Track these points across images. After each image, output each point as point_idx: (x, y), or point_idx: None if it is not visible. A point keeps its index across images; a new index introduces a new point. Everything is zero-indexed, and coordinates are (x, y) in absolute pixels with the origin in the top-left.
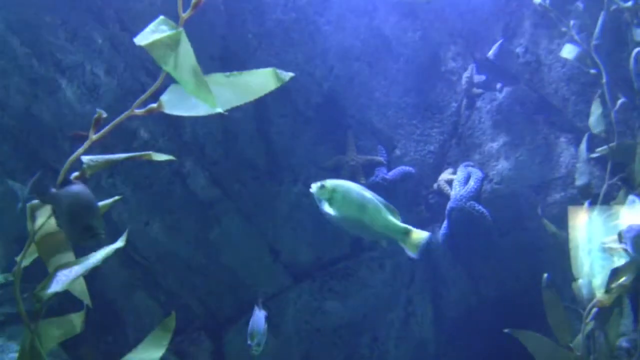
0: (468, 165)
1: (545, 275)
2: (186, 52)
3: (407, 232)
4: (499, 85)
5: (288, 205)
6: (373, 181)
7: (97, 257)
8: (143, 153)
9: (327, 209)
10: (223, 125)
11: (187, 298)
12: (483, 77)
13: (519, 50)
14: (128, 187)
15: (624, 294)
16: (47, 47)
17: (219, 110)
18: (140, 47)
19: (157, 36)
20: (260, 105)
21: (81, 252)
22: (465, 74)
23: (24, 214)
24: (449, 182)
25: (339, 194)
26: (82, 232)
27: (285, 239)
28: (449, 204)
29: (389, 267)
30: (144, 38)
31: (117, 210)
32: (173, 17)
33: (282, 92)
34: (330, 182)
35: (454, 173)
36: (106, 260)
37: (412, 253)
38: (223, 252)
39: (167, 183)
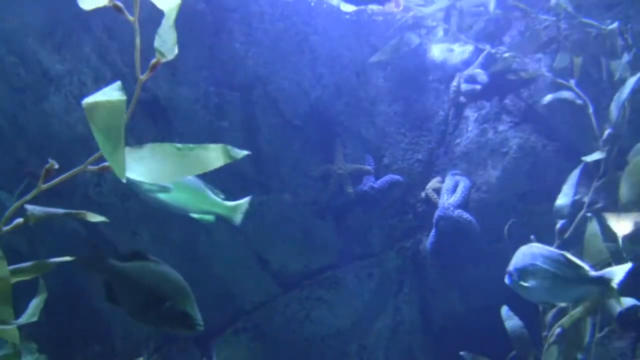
0: (456, 174)
1: (505, 308)
2: (118, 120)
3: (230, 207)
4: (486, 94)
5: (276, 214)
6: (361, 190)
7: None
8: (80, 212)
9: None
10: (211, 134)
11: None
12: (470, 86)
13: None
14: (116, 197)
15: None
16: (34, 56)
17: (164, 181)
18: (129, 56)
19: (100, 98)
20: (248, 114)
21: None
22: (453, 83)
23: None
24: (437, 191)
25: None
26: (172, 320)
27: (273, 248)
28: (437, 213)
29: (377, 276)
30: (92, 98)
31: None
32: (157, 24)
33: (270, 101)
34: None
35: (442, 182)
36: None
37: (236, 220)
38: (211, 262)
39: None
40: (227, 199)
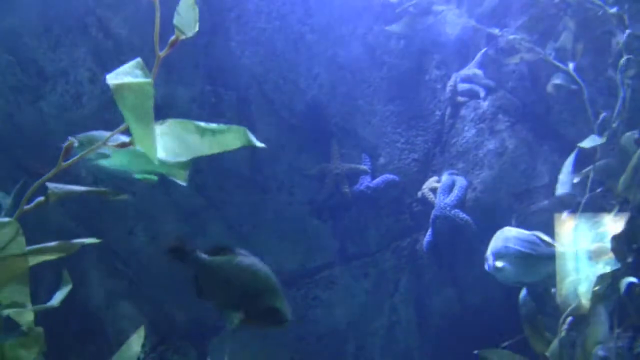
0: (452, 174)
1: (524, 289)
2: (147, 102)
3: (173, 165)
4: (482, 94)
5: (272, 213)
6: (357, 189)
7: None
8: (101, 190)
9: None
10: None
11: (170, 307)
12: (467, 86)
13: (502, 58)
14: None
15: (600, 302)
16: (30, 55)
17: (180, 159)
18: (125, 55)
19: (127, 80)
20: (245, 114)
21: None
22: (449, 83)
23: None
24: (433, 190)
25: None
26: (261, 315)
27: (269, 247)
28: (433, 212)
29: (373, 276)
30: (116, 78)
31: (100, 219)
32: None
33: (266, 100)
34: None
35: (438, 181)
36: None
37: (181, 179)
38: None
39: (151, 191)
40: (223, 198)
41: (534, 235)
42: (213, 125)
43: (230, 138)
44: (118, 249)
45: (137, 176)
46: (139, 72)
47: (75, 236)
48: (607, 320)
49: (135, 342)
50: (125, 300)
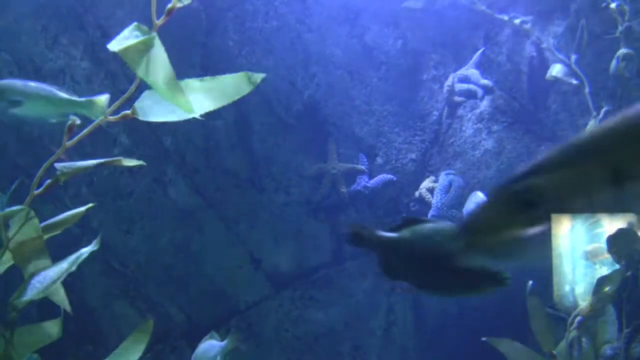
0: (449, 174)
1: (530, 282)
2: (160, 57)
3: (87, 102)
4: (480, 94)
5: (269, 213)
6: (354, 189)
7: (70, 260)
8: (114, 159)
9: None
10: (204, 133)
11: (167, 306)
12: (464, 86)
13: (500, 58)
14: (108, 195)
15: (608, 303)
16: (27, 54)
17: (195, 115)
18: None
19: (130, 42)
20: (242, 113)
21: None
22: (447, 83)
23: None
24: (431, 190)
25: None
26: (473, 278)
27: (266, 247)
28: (430, 212)
29: (370, 276)
30: (118, 44)
31: (97, 218)
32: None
33: (263, 99)
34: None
35: (436, 181)
36: (83, 265)
37: (96, 116)
38: (204, 261)
39: (148, 191)
40: (220, 198)
41: None
42: (215, 77)
43: (235, 84)
44: (115, 248)
45: (53, 120)
46: (138, 32)
47: (71, 234)
48: (616, 320)
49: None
50: (121, 300)
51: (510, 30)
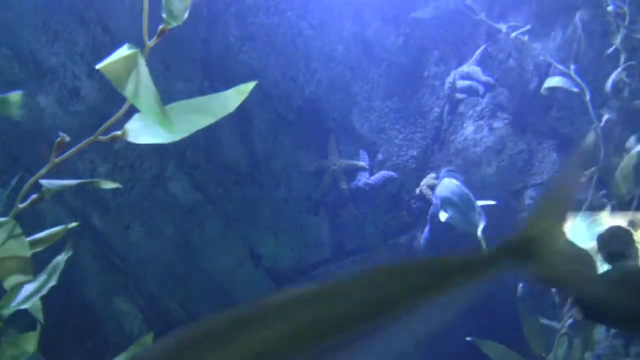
0: (450, 171)
1: (521, 285)
2: (143, 77)
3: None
4: (481, 91)
5: (269, 209)
6: (355, 185)
7: (49, 272)
8: (93, 180)
9: None
10: (205, 129)
11: (167, 303)
12: (466, 83)
13: (501, 55)
14: (108, 191)
15: None
16: (28, 49)
17: (179, 137)
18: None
19: (112, 59)
20: (242, 109)
21: None
22: (448, 80)
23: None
24: (432, 187)
25: None
26: None
27: (266, 243)
28: (431, 209)
29: None
30: (104, 62)
31: (97, 214)
32: (155, 20)
33: (264, 95)
34: None
35: (437, 178)
36: (83, 261)
37: (14, 114)
38: (204, 257)
39: (148, 187)
40: (220, 194)
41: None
42: (207, 97)
43: (225, 102)
44: (115, 244)
45: None
46: (125, 50)
47: (72, 231)
48: None
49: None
50: (121, 296)
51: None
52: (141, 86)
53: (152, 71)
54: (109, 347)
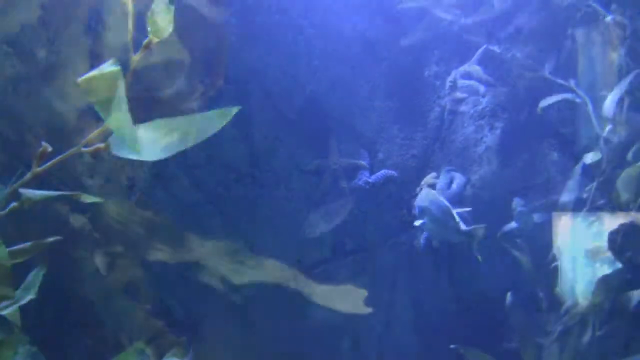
0: (451, 170)
1: (509, 293)
2: (120, 98)
3: None
4: (482, 90)
5: (269, 208)
6: (355, 184)
7: (27, 287)
8: (74, 193)
9: None
10: None
11: (168, 301)
12: (466, 82)
13: (502, 55)
14: (109, 189)
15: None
16: (29, 47)
17: (156, 158)
18: (122, 47)
19: (92, 74)
20: (243, 108)
21: None
22: (449, 79)
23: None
24: (432, 187)
25: None
26: None
27: (266, 242)
28: None
29: (370, 272)
30: (85, 76)
31: (97, 213)
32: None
33: (265, 94)
34: None
35: (437, 177)
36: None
37: None
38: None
39: (149, 186)
40: (220, 193)
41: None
42: (189, 117)
43: (208, 123)
44: (114, 240)
45: None
46: (108, 66)
47: (72, 227)
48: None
49: None
50: (122, 294)
51: (512, 27)
52: (114, 105)
53: (151, 70)
54: (109, 344)
